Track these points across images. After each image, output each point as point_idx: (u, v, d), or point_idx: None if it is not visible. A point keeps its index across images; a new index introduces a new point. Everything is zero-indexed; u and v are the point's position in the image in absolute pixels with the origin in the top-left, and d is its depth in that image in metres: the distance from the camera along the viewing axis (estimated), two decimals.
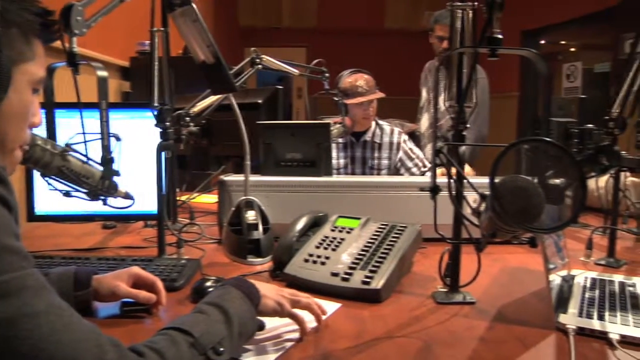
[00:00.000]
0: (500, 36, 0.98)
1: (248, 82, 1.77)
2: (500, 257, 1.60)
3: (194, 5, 1.28)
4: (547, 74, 0.97)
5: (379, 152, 2.76)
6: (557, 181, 0.89)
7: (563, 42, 7.66)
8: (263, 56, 2.03)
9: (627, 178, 2.21)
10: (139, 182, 1.56)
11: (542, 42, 7.07)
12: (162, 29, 1.50)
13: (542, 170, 0.89)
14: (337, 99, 2.52)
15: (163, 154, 1.49)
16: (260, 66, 2.03)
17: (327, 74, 2.41)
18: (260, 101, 2.27)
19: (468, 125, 1.14)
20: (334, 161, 2.71)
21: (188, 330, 0.81)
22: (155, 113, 1.44)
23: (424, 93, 3.48)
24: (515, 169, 0.93)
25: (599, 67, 5.37)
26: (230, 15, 8.03)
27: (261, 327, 1.01)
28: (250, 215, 1.61)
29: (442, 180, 1.16)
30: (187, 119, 1.56)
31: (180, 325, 0.82)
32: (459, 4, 1.13)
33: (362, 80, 2.70)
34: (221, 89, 1.48)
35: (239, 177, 1.74)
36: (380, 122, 2.83)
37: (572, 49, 7.76)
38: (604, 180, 2.07)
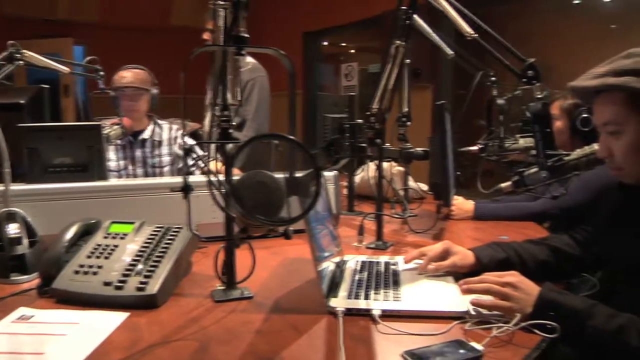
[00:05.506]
0: (246, 35, 1.01)
1: (16, 79, 1.59)
2: (280, 249, 1.66)
3: None
4: (292, 72, 1.03)
5: (159, 150, 2.69)
6: (302, 175, 0.94)
7: (343, 44, 8.23)
8: (24, 51, 1.86)
9: (393, 167, 2.45)
10: None
11: (325, 43, 7.50)
12: None
13: (293, 165, 0.94)
14: (112, 93, 2.40)
15: None
16: (21, 62, 1.85)
17: (101, 72, 2.29)
18: (22, 101, 2.05)
19: (234, 123, 1.15)
20: (113, 163, 2.58)
21: None
22: None
23: (210, 92, 3.47)
24: (266, 164, 0.96)
25: (372, 67, 5.89)
26: None
27: None
28: (13, 229, 1.46)
29: (200, 179, 1.15)
30: None
31: None
32: (221, 2, 1.14)
33: (130, 72, 2.60)
34: None
35: None
36: (159, 121, 2.76)
37: (352, 51, 8.37)
38: (372, 169, 2.27)
